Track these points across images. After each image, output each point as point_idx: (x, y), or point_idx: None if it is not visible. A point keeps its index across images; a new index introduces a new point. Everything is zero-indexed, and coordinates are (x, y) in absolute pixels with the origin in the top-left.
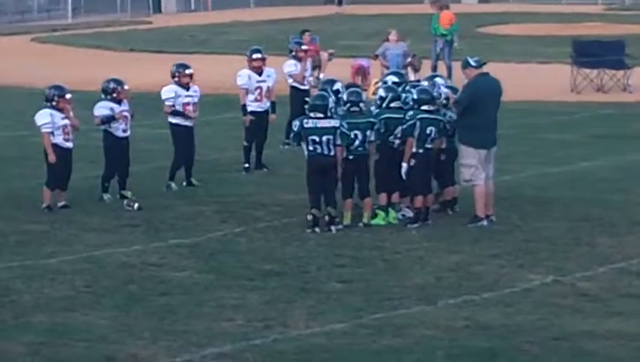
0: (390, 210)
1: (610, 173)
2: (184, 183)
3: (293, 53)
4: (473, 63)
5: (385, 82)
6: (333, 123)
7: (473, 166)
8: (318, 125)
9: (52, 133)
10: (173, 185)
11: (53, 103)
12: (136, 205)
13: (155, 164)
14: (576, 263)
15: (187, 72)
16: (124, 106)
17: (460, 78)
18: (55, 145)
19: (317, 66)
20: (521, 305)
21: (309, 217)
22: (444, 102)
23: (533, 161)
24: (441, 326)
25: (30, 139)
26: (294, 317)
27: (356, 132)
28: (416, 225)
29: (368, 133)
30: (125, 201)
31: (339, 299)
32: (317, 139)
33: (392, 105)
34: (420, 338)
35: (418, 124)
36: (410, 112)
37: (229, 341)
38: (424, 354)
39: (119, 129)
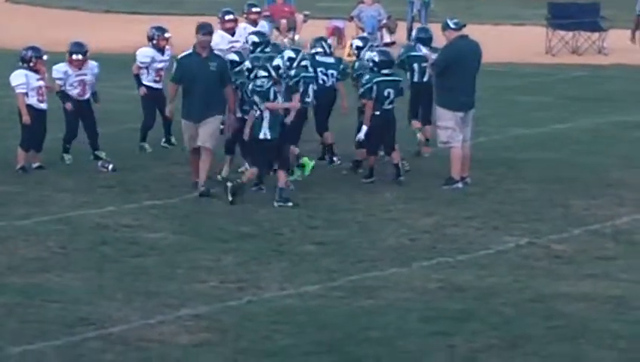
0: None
1: (585, 135)
2: (163, 141)
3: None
4: (452, 25)
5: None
6: None
7: (450, 128)
8: None
9: (26, 94)
10: (146, 145)
11: (30, 64)
12: (110, 166)
13: (129, 125)
14: (551, 225)
15: (165, 35)
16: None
17: (436, 40)
18: (29, 107)
19: (292, 28)
20: (496, 267)
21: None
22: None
23: (508, 123)
24: (415, 288)
25: (2, 100)
26: (268, 279)
27: None
28: (370, 180)
29: None
30: (99, 162)
31: (312, 261)
32: None
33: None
34: (393, 300)
35: (375, 87)
36: (367, 76)
37: (203, 302)
38: (398, 316)
39: (74, 92)
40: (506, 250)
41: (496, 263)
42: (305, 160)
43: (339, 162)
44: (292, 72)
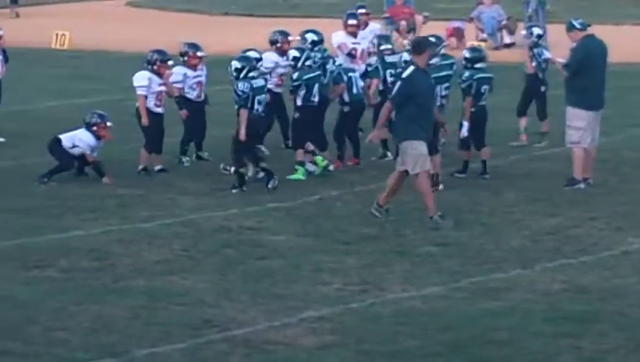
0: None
1: None
2: (282, 146)
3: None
4: (578, 26)
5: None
6: None
7: (582, 128)
8: None
9: (146, 96)
10: (262, 148)
11: (155, 67)
12: (232, 169)
13: None
14: None
15: (289, 38)
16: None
17: (555, 41)
18: (146, 110)
19: (412, 29)
20: (621, 268)
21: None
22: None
23: (630, 123)
24: (539, 290)
25: (125, 102)
26: (391, 281)
27: None
28: (463, 175)
29: None
30: (222, 165)
31: (435, 262)
32: None
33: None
34: (517, 301)
35: (475, 84)
36: (467, 72)
37: (327, 304)
38: (522, 318)
39: (194, 94)
40: (631, 250)
41: (621, 264)
42: (317, 159)
43: (391, 157)
44: (295, 75)
